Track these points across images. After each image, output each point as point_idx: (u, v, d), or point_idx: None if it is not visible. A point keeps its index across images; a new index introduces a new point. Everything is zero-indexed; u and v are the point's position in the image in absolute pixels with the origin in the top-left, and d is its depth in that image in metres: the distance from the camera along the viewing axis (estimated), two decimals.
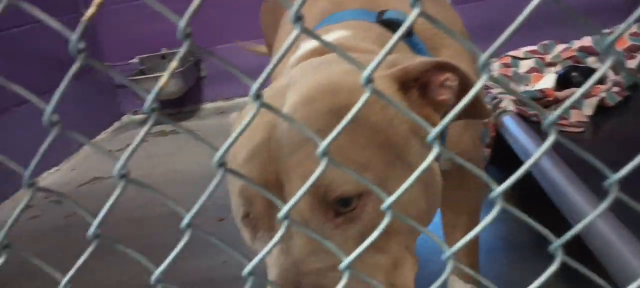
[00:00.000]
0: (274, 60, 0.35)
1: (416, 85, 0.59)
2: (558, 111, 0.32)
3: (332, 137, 0.35)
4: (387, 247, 0.54)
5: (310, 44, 0.73)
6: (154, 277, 0.41)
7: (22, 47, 2.38)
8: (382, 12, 0.79)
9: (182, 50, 0.35)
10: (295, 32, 0.33)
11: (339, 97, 0.55)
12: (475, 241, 1.05)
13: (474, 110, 0.60)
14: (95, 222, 0.38)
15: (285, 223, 0.39)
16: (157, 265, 0.41)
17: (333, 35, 0.74)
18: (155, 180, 2.06)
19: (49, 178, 2.33)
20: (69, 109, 2.64)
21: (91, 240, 0.40)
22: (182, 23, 0.34)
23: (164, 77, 0.39)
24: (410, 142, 0.57)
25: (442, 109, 0.59)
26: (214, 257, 1.43)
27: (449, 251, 0.37)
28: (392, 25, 0.77)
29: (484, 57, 0.31)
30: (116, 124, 3.05)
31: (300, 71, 0.63)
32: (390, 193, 0.37)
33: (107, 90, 3.03)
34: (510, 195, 1.34)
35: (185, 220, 0.38)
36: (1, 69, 2.22)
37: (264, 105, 0.35)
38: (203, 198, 0.38)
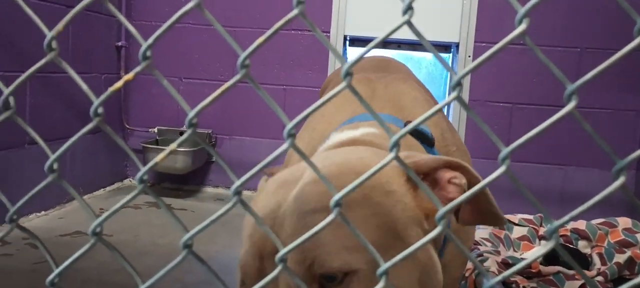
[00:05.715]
0: (315, 104, 0.37)
1: (425, 181, 0.61)
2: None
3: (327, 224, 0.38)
4: None
5: (339, 136, 0.78)
6: None
7: (59, 92, 2.50)
8: (408, 122, 0.84)
9: (185, 135, 0.40)
10: (342, 85, 0.36)
11: (346, 179, 0.55)
12: None
13: (487, 212, 0.61)
14: (56, 271, 0.41)
15: None
16: None
17: (361, 131, 0.78)
18: (132, 248, 2.05)
19: (34, 221, 2.32)
20: (79, 157, 2.71)
21: None
22: (191, 114, 0.39)
23: (161, 155, 0.43)
24: (410, 231, 0.57)
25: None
26: None
27: None
28: (418, 134, 0.81)
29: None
30: (117, 184, 3.09)
31: (322, 156, 0.68)
32: (379, 277, 0.36)
33: (119, 150, 3.11)
34: None
35: None
36: (32, 106, 2.33)
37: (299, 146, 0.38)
38: (158, 274, 0.40)
